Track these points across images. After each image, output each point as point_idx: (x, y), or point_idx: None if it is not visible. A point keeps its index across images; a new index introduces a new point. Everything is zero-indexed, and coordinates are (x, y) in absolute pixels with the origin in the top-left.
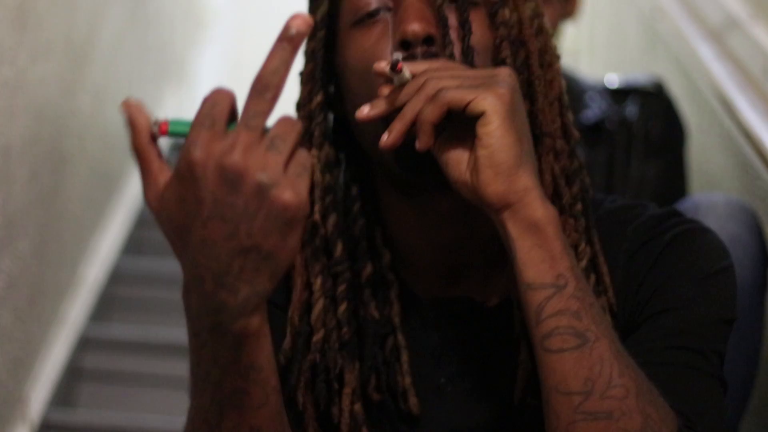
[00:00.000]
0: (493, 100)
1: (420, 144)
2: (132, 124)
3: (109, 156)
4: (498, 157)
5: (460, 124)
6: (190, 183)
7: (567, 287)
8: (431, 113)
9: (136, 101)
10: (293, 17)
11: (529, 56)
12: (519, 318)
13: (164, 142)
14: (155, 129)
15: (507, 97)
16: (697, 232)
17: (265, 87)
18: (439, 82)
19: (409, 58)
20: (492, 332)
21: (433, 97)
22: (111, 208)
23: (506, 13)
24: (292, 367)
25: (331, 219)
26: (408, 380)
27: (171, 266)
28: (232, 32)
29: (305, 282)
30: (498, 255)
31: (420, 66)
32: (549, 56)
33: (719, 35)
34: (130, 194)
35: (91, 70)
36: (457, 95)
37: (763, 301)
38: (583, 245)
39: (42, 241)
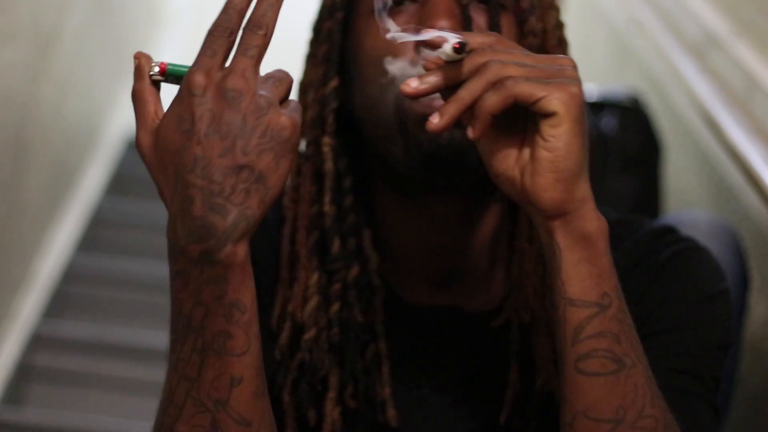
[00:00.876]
0: (566, 100)
1: (474, 133)
2: (137, 70)
3: (68, 149)
4: (563, 163)
5: (511, 112)
6: (189, 101)
7: (610, 308)
8: (494, 104)
9: (147, 54)
10: None
11: None
12: (516, 337)
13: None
14: (155, 70)
15: (579, 98)
16: (694, 252)
17: (257, 25)
18: (504, 69)
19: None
20: (480, 345)
21: (497, 85)
22: (67, 202)
23: (533, 21)
24: (281, 365)
25: (332, 211)
26: (387, 391)
27: (125, 266)
28: (189, 34)
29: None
30: (490, 264)
31: (474, 38)
32: None
33: (700, 51)
34: (87, 190)
35: (56, 57)
36: (526, 89)
37: (742, 325)
38: None
39: (1, 232)
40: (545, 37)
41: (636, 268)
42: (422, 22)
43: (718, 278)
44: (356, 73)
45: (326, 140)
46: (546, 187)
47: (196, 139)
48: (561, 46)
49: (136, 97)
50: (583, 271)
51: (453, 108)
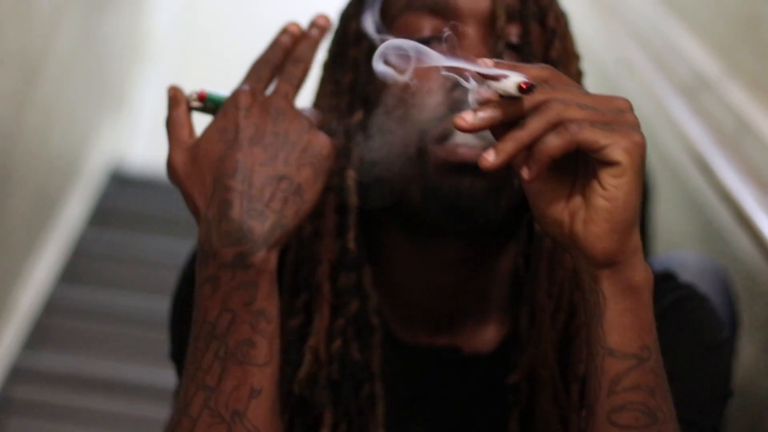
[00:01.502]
0: (630, 150)
1: (531, 175)
2: (173, 100)
3: (51, 179)
4: (621, 214)
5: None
6: (234, 115)
7: (649, 361)
8: (556, 147)
9: (178, 86)
10: (318, 16)
11: None
12: (525, 391)
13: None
14: (193, 96)
15: (643, 147)
16: (695, 300)
17: (299, 59)
18: (566, 110)
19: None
20: (478, 387)
21: (558, 127)
22: (49, 233)
23: (562, 71)
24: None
25: (354, 248)
26: None
27: (107, 299)
28: (173, 69)
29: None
30: (495, 306)
31: (529, 71)
32: None
33: (691, 92)
34: (69, 221)
35: (42, 86)
36: (591, 136)
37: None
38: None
39: None
40: None
41: None
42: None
43: (719, 327)
44: (378, 106)
45: (351, 173)
46: (600, 237)
47: (239, 147)
48: None
49: (172, 122)
50: (626, 322)
51: (510, 146)
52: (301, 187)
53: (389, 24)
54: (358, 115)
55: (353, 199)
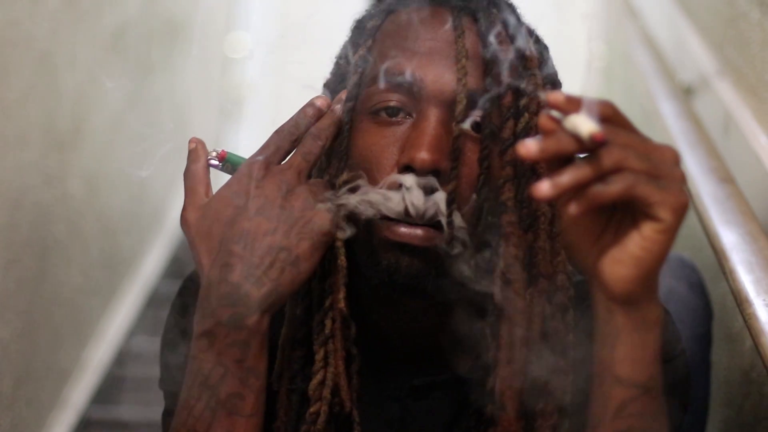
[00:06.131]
0: (678, 210)
1: (577, 212)
2: (193, 153)
3: (109, 240)
4: (652, 265)
5: None
6: (247, 182)
7: (653, 390)
8: (611, 194)
9: (202, 140)
10: (342, 92)
11: None
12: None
13: None
14: (213, 155)
15: (687, 208)
16: None
17: (318, 136)
18: (627, 159)
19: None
20: (452, 409)
21: (616, 174)
22: (120, 291)
23: (512, 151)
24: None
25: (346, 307)
26: None
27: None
28: (265, 118)
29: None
30: (460, 342)
31: (592, 106)
32: None
33: (686, 93)
34: (143, 276)
35: (79, 156)
36: (644, 191)
37: (708, 355)
38: None
39: (26, 327)
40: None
41: None
42: (406, 145)
43: (676, 340)
44: (351, 165)
45: (339, 234)
46: (625, 279)
47: (246, 216)
48: None
49: (190, 177)
50: (637, 354)
51: (566, 182)
52: (298, 258)
53: (368, 83)
54: (344, 176)
55: (342, 261)
